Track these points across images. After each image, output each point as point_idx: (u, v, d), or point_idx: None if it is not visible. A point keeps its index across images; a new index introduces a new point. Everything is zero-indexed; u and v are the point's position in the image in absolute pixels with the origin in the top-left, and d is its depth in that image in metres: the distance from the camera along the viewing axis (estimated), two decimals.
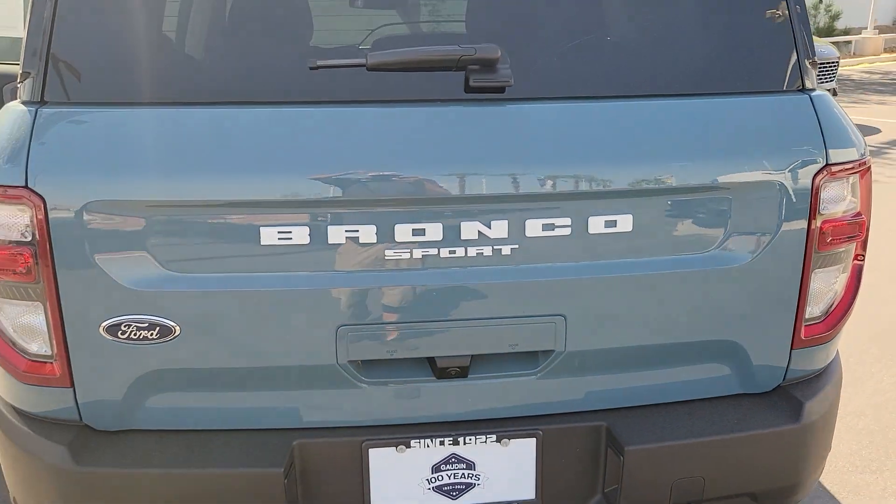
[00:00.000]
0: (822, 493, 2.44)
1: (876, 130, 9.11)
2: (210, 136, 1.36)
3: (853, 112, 10.51)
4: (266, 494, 1.40)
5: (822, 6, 23.06)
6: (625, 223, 1.40)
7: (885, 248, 4.56)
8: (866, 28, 20.58)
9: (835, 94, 9.54)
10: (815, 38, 7.60)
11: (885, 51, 19.92)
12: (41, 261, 1.36)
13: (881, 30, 21.47)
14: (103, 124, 1.37)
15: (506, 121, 1.39)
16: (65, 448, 1.41)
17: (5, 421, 1.51)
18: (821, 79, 9.34)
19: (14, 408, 1.51)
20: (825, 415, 1.58)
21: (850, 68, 16.34)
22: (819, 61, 9.40)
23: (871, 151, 5.84)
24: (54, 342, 1.41)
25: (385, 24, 1.87)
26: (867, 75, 15.19)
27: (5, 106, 1.60)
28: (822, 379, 1.62)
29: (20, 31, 2.95)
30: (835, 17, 23.04)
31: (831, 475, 2.51)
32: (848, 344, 2.80)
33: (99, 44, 1.40)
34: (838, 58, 9.57)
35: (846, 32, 21.79)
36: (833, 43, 20.35)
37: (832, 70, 9.39)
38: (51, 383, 1.43)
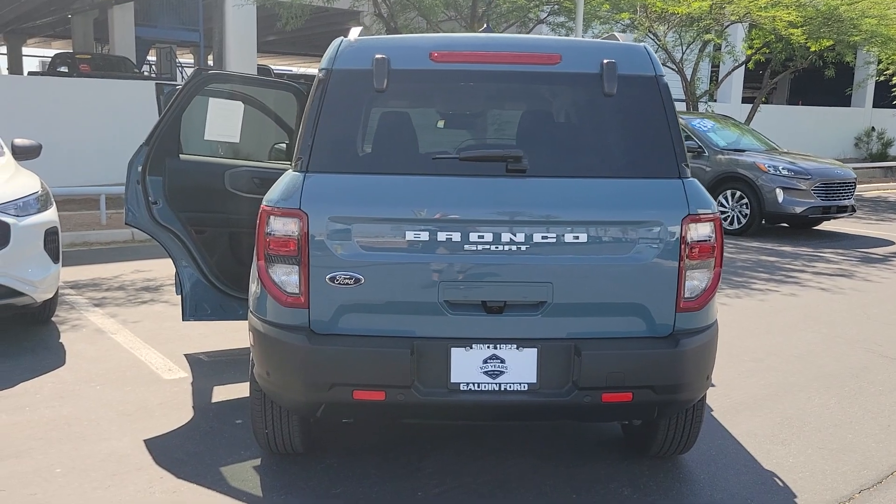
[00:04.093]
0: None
1: (889, 242, 10.24)
2: (382, 186, 2.89)
3: (871, 227, 11.67)
4: (401, 363, 2.82)
5: (875, 133, 24.43)
6: (583, 237, 2.85)
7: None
8: None
9: (853, 210, 10.75)
10: (834, 161, 9.53)
11: None
12: (302, 246, 2.87)
13: None
14: (336, 181, 2.91)
15: (525, 185, 2.88)
16: (305, 337, 2.88)
17: (270, 328, 2.99)
18: (840, 196, 10.59)
19: (273, 322, 2.99)
20: (694, 349, 2.92)
21: (890, 191, 17.47)
22: (840, 181, 10.69)
23: (875, 258, 7.84)
24: (302, 286, 2.90)
25: (466, 140, 3.40)
26: None
27: (287, 172, 3.18)
28: (696, 332, 2.97)
29: (235, 139, 4.66)
30: (887, 145, 24.35)
31: None
32: None
33: (334, 143, 2.96)
34: (855, 179, 10.84)
35: None
36: (884, 167, 21.43)
37: (850, 189, 10.66)
38: (298, 307, 2.92)
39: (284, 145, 5.23)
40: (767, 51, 15.28)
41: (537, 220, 2.85)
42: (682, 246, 2.88)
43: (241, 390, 4.45)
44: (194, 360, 4.99)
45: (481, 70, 2.98)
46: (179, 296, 5.11)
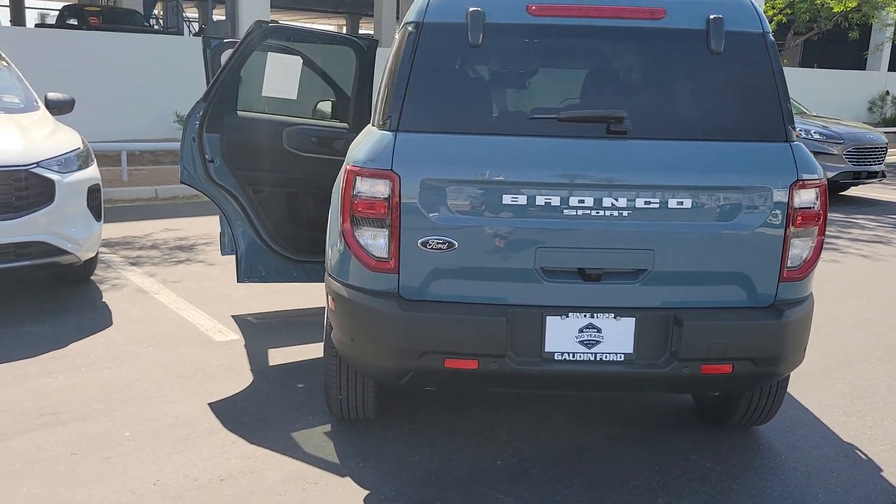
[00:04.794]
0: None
1: None
2: (477, 147, 2.76)
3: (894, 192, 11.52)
4: (497, 332, 2.73)
5: (890, 98, 24.12)
6: (688, 203, 2.73)
7: None
8: None
9: (883, 175, 10.61)
10: (865, 125, 9.30)
11: None
12: (393, 208, 2.76)
13: None
14: (429, 141, 2.78)
15: (628, 148, 2.75)
16: (396, 304, 2.78)
17: (355, 294, 2.89)
18: (871, 161, 10.43)
19: (358, 287, 2.89)
20: (796, 320, 2.83)
21: None
22: (872, 146, 10.54)
23: None
24: (391, 250, 2.80)
25: (564, 99, 3.23)
26: None
27: (369, 130, 3.05)
28: (797, 303, 2.88)
29: (293, 96, 4.50)
30: None
31: None
32: None
33: (426, 101, 2.82)
34: (886, 144, 10.67)
35: None
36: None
37: (881, 154, 10.50)
38: (387, 272, 2.81)
39: (330, 104, 5.08)
40: (790, 11, 14.97)
41: (640, 184, 2.73)
42: (789, 213, 2.77)
43: (296, 353, 4.38)
44: (243, 322, 4.91)
45: (581, 25, 2.83)
46: (227, 256, 5.02)
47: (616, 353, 2.80)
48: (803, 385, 4.10)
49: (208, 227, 7.81)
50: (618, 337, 2.80)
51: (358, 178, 2.82)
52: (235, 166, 4.19)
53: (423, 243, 2.77)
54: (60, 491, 2.91)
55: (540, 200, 2.73)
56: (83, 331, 4.63)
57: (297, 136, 4.25)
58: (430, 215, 2.76)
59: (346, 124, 4.49)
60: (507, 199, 2.74)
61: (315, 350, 4.42)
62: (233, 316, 5.02)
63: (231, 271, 6.01)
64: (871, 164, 10.40)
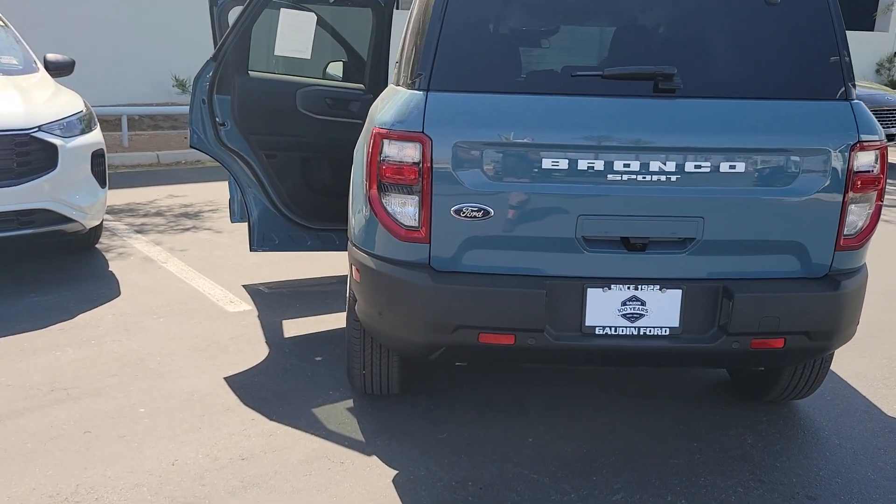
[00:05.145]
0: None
1: None
2: (515, 107, 2.57)
3: None
4: (536, 305, 2.56)
5: None
6: (741, 167, 2.54)
7: None
8: None
9: None
10: (883, 87, 8.88)
11: None
12: (424, 173, 2.57)
13: None
14: (462, 101, 2.59)
15: (677, 107, 2.56)
16: (428, 275, 2.62)
17: (383, 265, 2.72)
18: (888, 124, 10.20)
19: (386, 257, 2.72)
20: (852, 292, 2.66)
21: None
22: (889, 108, 10.31)
23: None
24: (422, 218, 2.62)
25: (608, 54, 3.01)
26: None
27: (394, 90, 2.85)
28: (852, 273, 2.71)
29: (306, 55, 4.29)
30: None
31: None
32: None
33: (459, 58, 2.62)
34: None
35: None
36: None
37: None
38: (417, 242, 2.64)
39: (341, 64, 4.85)
40: None
41: (690, 147, 2.54)
42: (848, 177, 2.58)
43: (311, 325, 4.23)
44: (254, 292, 4.75)
45: None
46: (237, 223, 4.85)
47: (661, 327, 2.64)
48: (838, 355, 3.95)
49: (213, 193, 7.63)
50: (663, 310, 2.63)
51: (385, 142, 2.63)
52: (247, 130, 3.99)
53: (456, 211, 2.59)
54: (75, 472, 2.77)
55: (582, 165, 2.55)
56: (91, 301, 4.48)
57: (311, 97, 4.05)
58: (464, 181, 2.57)
59: (361, 85, 4.28)
60: (546, 163, 2.55)
61: (331, 321, 4.28)
62: (244, 285, 4.86)
63: (240, 239, 5.85)
64: (889, 127, 10.16)
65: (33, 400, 3.29)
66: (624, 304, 2.63)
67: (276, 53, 4.15)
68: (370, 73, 4.25)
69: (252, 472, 2.80)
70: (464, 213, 2.59)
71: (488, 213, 2.58)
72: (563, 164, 2.55)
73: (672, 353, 2.69)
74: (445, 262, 2.65)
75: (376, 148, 2.65)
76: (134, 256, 5.43)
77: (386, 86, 4.21)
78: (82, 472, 2.77)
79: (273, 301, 4.60)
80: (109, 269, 5.12)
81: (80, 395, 3.34)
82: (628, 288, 2.62)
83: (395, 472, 2.83)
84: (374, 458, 2.92)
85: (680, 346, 2.65)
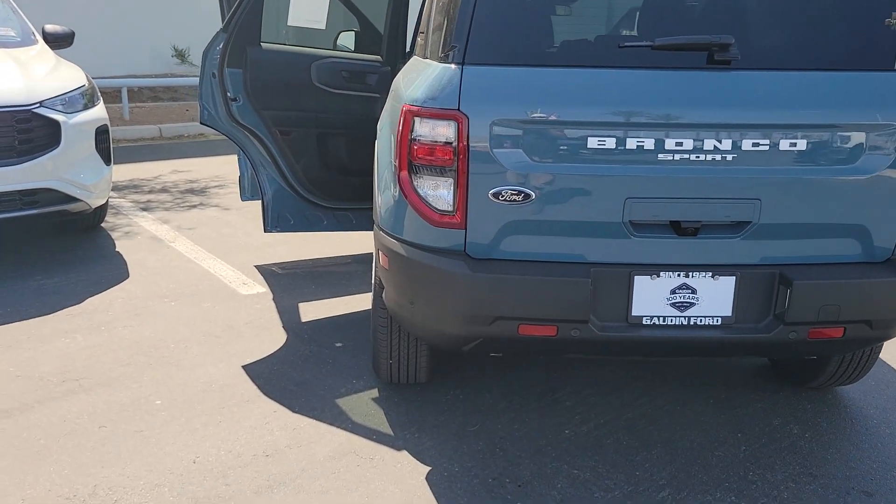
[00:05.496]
0: None
1: None
2: (558, 82, 2.38)
3: None
4: (581, 294, 2.40)
5: None
6: (802, 144, 2.36)
7: None
8: None
9: None
10: None
11: None
12: (460, 154, 2.39)
13: None
14: (501, 75, 2.40)
15: (734, 80, 2.36)
16: (464, 264, 2.45)
17: (414, 252, 2.55)
18: None
19: (418, 244, 2.54)
20: None
21: None
22: None
23: None
24: (457, 202, 2.44)
25: (657, 23, 2.78)
26: None
27: (423, 63, 2.65)
28: None
29: (321, 25, 4.08)
30: None
31: None
32: None
33: (496, 28, 2.43)
34: None
35: None
36: None
37: None
38: (451, 227, 2.47)
39: (353, 34, 4.63)
40: None
41: (748, 123, 2.36)
42: None
43: (329, 308, 4.07)
44: (268, 273, 4.59)
45: None
46: (247, 201, 4.67)
47: (712, 317, 2.48)
48: None
49: (219, 168, 7.44)
50: (715, 298, 2.47)
51: (417, 120, 2.44)
52: (261, 105, 3.79)
53: (494, 194, 2.41)
54: (91, 470, 2.63)
55: (631, 143, 2.36)
56: (99, 284, 4.32)
57: (327, 70, 3.84)
58: (503, 162, 2.39)
59: (378, 57, 4.07)
60: (592, 142, 2.37)
61: (349, 304, 4.12)
62: (256, 266, 4.70)
63: (249, 217, 5.68)
64: None
65: (44, 392, 3.14)
66: (673, 292, 2.47)
67: (289, 23, 3.93)
68: (388, 44, 4.03)
69: (277, 470, 2.66)
70: (503, 196, 2.41)
71: (529, 196, 2.40)
72: (611, 142, 2.37)
73: (723, 344, 2.53)
74: (482, 248, 2.48)
75: (407, 127, 2.46)
76: (141, 236, 5.26)
77: (404, 57, 4.01)
78: (99, 471, 2.63)
79: (287, 282, 4.44)
80: (116, 249, 4.95)
81: (92, 386, 3.19)
82: (678, 275, 2.45)
83: (428, 468, 2.69)
84: (405, 452, 2.78)
85: (732, 336, 2.49)
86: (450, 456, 2.76)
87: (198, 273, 4.56)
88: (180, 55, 12.96)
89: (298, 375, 3.34)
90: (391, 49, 4.05)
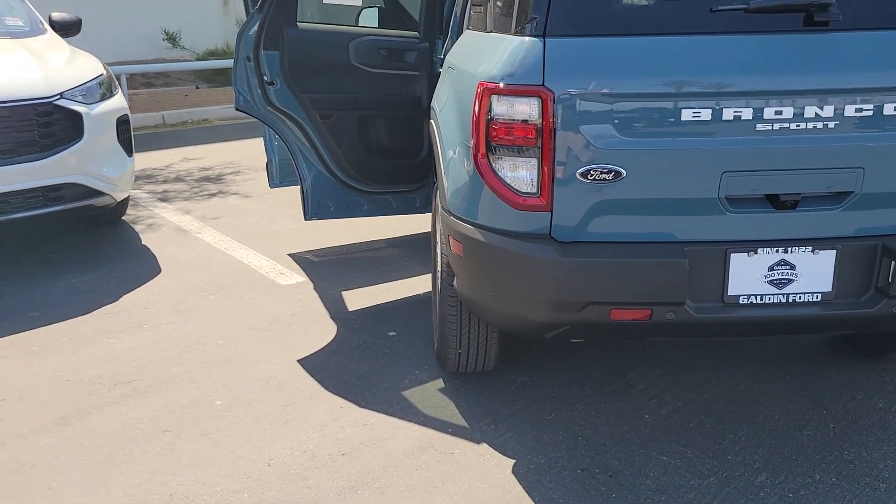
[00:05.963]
0: None
1: None
2: (647, 51, 2.24)
3: None
4: (678, 275, 2.28)
5: None
6: None
7: None
8: None
9: None
10: None
11: None
12: (544, 132, 2.26)
13: None
14: (586, 46, 2.26)
15: (834, 42, 2.23)
16: (552, 248, 2.32)
17: (494, 237, 2.42)
18: None
19: (498, 229, 2.41)
20: None
21: None
22: None
23: None
24: (542, 184, 2.31)
25: None
26: None
27: (490, 38, 2.51)
28: None
29: (357, 1, 3.92)
30: None
31: None
32: None
33: (577, 1, 2.28)
34: None
35: None
36: None
37: None
38: (536, 210, 2.34)
39: (376, 10, 4.46)
40: None
41: (850, 87, 2.23)
42: None
43: (374, 295, 3.95)
44: (303, 262, 4.46)
45: None
46: (275, 188, 4.53)
47: (811, 293, 2.37)
48: None
49: (230, 154, 7.26)
50: (814, 273, 2.36)
51: (495, 98, 2.30)
52: (300, 88, 3.63)
53: (582, 174, 2.28)
54: (164, 479, 2.51)
55: (727, 114, 2.23)
56: (132, 280, 4.17)
57: (366, 49, 3.68)
58: (591, 139, 2.26)
59: (415, 32, 3.91)
60: (686, 114, 2.24)
61: (393, 291, 4.00)
62: (290, 254, 4.57)
63: (271, 203, 5.54)
64: None
65: (98, 396, 3.01)
66: (771, 269, 2.35)
67: (324, 1, 3.76)
68: (425, 19, 3.87)
69: (357, 470, 2.55)
70: (592, 175, 2.28)
71: (620, 174, 2.28)
72: (706, 114, 2.23)
73: (823, 321, 2.43)
74: (569, 231, 2.35)
75: (484, 105, 2.32)
76: (165, 227, 5.11)
77: (442, 32, 3.85)
78: (172, 479, 2.51)
79: (325, 270, 4.31)
80: (143, 243, 4.80)
81: (146, 389, 3.07)
82: (776, 251, 2.34)
83: (513, 461, 2.59)
84: (485, 446, 2.67)
85: (832, 312, 2.38)
86: (532, 447, 2.66)
87: (231, 264, 4.42)
88: (171, 39, 12.63)
89: (357, 368, 3.22)
90: (429, 25, 3.88)
